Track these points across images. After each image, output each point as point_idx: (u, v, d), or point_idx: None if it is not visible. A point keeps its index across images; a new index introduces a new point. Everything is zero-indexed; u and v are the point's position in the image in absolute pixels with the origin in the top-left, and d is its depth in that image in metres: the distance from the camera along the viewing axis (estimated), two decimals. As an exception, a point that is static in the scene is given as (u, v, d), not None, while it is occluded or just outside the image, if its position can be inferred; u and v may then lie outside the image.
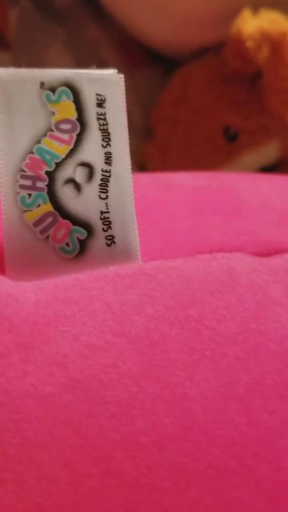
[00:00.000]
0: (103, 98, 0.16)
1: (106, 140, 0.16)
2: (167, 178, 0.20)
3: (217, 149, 0.40)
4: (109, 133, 0.16)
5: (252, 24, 0.36)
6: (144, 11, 0.41)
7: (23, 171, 0.16)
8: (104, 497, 0.11)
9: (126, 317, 0.14)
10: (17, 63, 0.44)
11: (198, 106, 0.40)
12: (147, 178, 0.20)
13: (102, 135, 0.16)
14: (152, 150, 0.42)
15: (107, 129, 0.16)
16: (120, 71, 0.46)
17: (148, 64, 0.45)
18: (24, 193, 0.15)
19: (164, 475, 0.12)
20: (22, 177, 0.16)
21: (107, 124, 0.16)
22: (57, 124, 0.16)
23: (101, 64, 0.43)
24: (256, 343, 0.14)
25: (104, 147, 0.16)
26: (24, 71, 0.16)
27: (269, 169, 0.43)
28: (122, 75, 0.17)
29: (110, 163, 0.16)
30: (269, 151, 0.41)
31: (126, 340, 0.13)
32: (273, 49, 0.36)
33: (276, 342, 0.14)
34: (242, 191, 0.19)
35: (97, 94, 0.16)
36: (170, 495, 0.11)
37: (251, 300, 0.15)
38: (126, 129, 0.16)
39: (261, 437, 0.12)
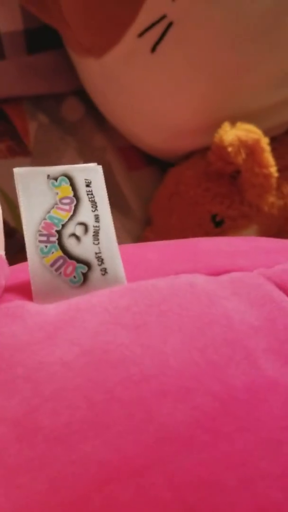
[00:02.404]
0: (89, 181, 0.22)
1: (94, 207, 0.22)
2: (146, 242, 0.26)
3: (207, 232, 0.47)
4: (96, 202, 0.22)
5: (231, 133, 0.43)
6: (140, 124, 0.49)
7: (40, 231, 0.22)
8: None
9: (118, 313, 0.20)
10: (36, 166, 0.52)
11: (189, 198, 0.47)
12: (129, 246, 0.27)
13: (91, 204, 0.22)
14: (152, 235, 0.48)
15: (94, 200, 0.22)
16: (122, 172, 0.54)
17: (145, 166, 0.53)
18: (42, 245, 0.21)
19: None
20: (40, 235, 0.22)
21: (93, 196, 0.22)
22: (60, 200, 0.22)
23: (106, 167, 0.51)
24: (210, 320, 0.19)
25: (93, 211, 0.22)
26: (36, 168, 0.22)
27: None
28: (100, 166, 0.23)
29: (98, 221, 0.22)
30: (250, 234, 0.48)
31: (119, 327, 0.19)
32: (249, 153, 0.43)
33: (223, 324, 0.19)
34: (200, 241, 0.26)
35: (85, 179, 0.22)
36: None
37: (206, 298, 0.20)
38: (107, 198, 0.23)
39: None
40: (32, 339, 0.19)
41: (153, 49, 0.44)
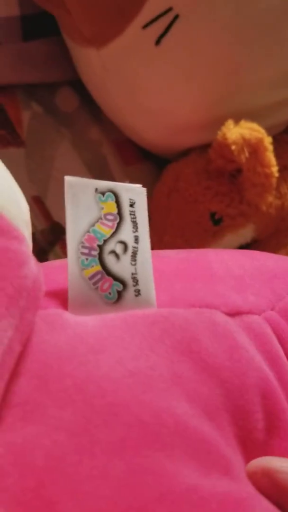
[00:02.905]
0: (133, 201, 0.23)
1: (135, 227, 0.23)
2: (156, 252, 0.27)
3: (205, 230, 0.46)
4: (137, 224, 0.23)
5: (235, 131, 0.43)
6: (139, 118, 0.48)
7: (83, 243, 0.22)
8: None
9: (152, 341, 0.20)
10: (30, 158, 0.51)
11: (189, 196, 0.46)
12: None
13: (133, 225, 0.23)
14: (149, 232, 0.48)
15: (136, 221, 0.23)
16: (117, 166, 0.53)
17: (141, 161, 0.52)
18: (83, 257, 0.21)
19: None
20: (82, 247, 0.22)
21: (135, 218, 0.23)
22: (105, 215, 0.22)
23: (101, 161, 0.50)
24: (233, 370, 0.21)
25: (133, 232, 0.23)
26: (86, 180, 0.22)
27: (244, 246, 0.50)
28: (145, 189, 0.23)
29: (138, 242, 0.23)
30: (247, 232, 0.48)
31: (155, 355, 0.20)
32: (252, 152, 0.43)
33: (248, 375, 0.21)
34: (212, 261, 0.26)
35: (130, 199, 0.23)
36: None
37: (226, 342, 0.22)
38: (147, 222, 0.23)
39: None
40: (76, 350, 0.19)
41: (158, 41, 0.43)
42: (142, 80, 0.45)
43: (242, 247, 0.50)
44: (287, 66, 0.46)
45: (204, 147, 0.47)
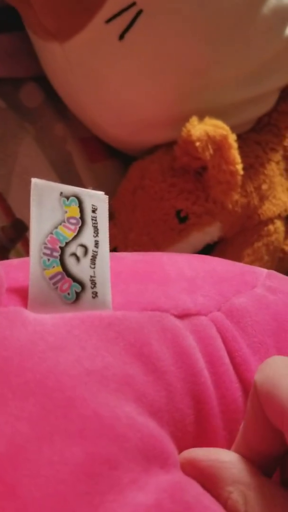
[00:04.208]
0: (95, 207, 0.24)
1: (96, 232, 0.24)
2: (114, 254, 0.28)
3: (171, 228, 0.46)
4: (98, 229, 0.24)
5: (199, 128, 0.42)
6: (104, 114, 0.47)
7: (46, 244, 0.22)
8: None
9: (108, 343, 0.21)
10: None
11: (154, 193, 0.46)
12: None
13: (94, 230, 0.23)
14: (114, 230, 0.47)
15: (97, 226, 0.24)
16: (83, 163, 0.52)
17: (107, 158, 0.51)
18: (45, 258, 0.22)
19: None
20: (45, 247, 0.22)
21: (97, 223, 0.24)
22: (68, 218, 0.23)
23: (66, 157, 0.49)
24: (177, 375, 0.22)
25: (94, 237, 0.24)
26: (52, 183, 0.23)
27: (211, 245, 0.50)
28: (107, 196, 0.24)
29: (98, 247, 0.24)
30: (213, 231, 0.48)
31: (111, 357, 0.21)
32: (217, 149, 0.43)
33: (188, 380, 0.22)
34: (165, 263, 0.28)
35: (92, 205, 0.24)
36: None
37: (173, 347, 0.23)
38: (107, 228, 0.24)
39: None
40: (37, 347, 0.20)
41: (121, 36, 0.42)
42: (106, 75, 0.44)
43: (209, 245, 0.49)
44: (253, 65, 0.46)
45: (171, 145, 0.47)
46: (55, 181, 0.23)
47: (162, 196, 0.46)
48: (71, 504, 0.17)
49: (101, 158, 0.51)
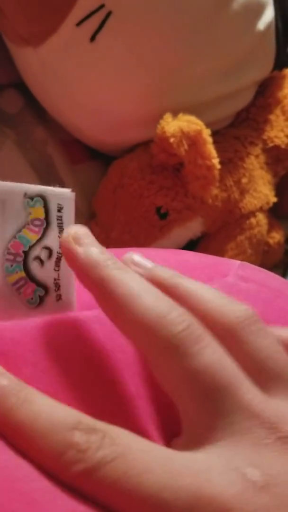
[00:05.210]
0: (61, 206, 0.23)
1: (61, 233, 0.23)
2: None
3: (152, 225, 0.46)
4: (63, 229, 0.23)
5: (173, 124, 0.43)
6: (80, 116, 0.48)
7: (9, 249, 0.22)
8: None
9: (64, 349, 0.22)
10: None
11: (133, 191, 0.46)
12: None
13: (59, 230, 0.23)
14: (96, 229, 0.48)
15: (62, 226, 0.23)
16: (64, 166, 0.53)
17: (88, 159, 0.52)
18: (8, 264, 0.22)
19: None
20: (8, 253, 0.22)
21: (62, 223, 0.23)
22: (32, 220, 0.22)
23: (47, 160, 0.50)
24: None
25: (59, 237, 0.23)
26: (14, 184, 0.22)
27: (195, 240, 0.50)
28: (73, 193, 0.23)
29: None
30: (195, 226, 0.48)
31: (66, 363, 0.21)
32: (191, 144, 0.43)
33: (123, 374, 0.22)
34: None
35: (58, 204, 0.23)
36: None
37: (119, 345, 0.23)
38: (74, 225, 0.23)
39: None
40: None
41: (92, 38, 0.43)
42: (80, 77, 0.45)
43: (193, 241, 0.50)
44: (227, 60, 0.47)
45: (149, 143, 0.47)
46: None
47: (142, 193, 0.46)
48: None
49: (82, 160, 0.51)
